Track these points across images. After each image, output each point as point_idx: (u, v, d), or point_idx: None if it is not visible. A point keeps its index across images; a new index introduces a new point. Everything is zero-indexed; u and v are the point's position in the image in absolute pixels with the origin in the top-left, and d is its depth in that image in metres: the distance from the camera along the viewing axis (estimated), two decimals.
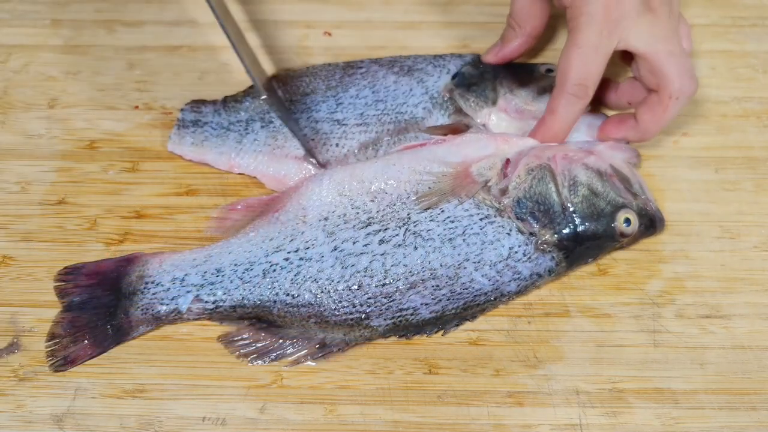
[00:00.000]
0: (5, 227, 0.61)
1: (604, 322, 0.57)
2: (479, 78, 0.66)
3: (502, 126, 0.64)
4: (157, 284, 0.56)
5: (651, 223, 0.59)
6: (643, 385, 0.54)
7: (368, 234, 0.57)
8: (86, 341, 0.55)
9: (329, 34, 0.75)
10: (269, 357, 0.55)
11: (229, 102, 0.67)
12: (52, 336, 0.55)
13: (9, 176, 0.64)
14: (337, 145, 0.64)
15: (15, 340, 0.56)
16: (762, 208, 0.63)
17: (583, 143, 0.62)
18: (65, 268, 0.58)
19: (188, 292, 0.56)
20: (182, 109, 0.67)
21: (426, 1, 0.77)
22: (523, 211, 0.57)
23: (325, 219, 0.57)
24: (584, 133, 0.64)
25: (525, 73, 0.67)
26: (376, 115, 0.65)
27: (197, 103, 0.67)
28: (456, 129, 0.63)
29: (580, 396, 0.54)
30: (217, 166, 0.64)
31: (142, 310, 0.55)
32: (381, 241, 0.56)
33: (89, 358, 0.55)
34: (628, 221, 0.58)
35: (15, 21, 0.76)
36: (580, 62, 0.57)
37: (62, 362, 0.54)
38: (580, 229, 0.57)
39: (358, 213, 0.58)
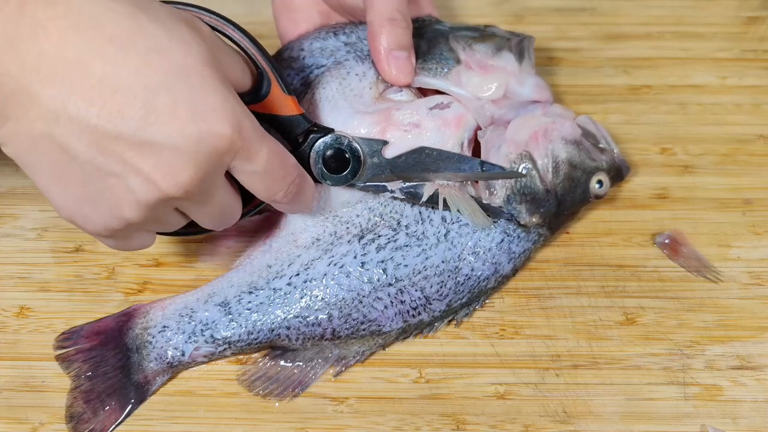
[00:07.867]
0: (23, 277, 0.60)
1: (632, 374, 0.56)
2: (429, 44, 0.61)
3: (474, 82, 0.59)
4: (164, 331, 0.55)
5: (618, 175, 0.61)
6: None
7: (364, 244, 0.56)
8: (108, 408, 0.53)
9: None
10: (292, 388, 0.55)
11: None
12: (70, 417, 0.53)
13: (25, 222, 0.63)
14: None
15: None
16: None
17: (534, 105, 0.61)
18: (62, 333, 0.55)
19: (198, 333, 0.55)
20: None
21: None
22: (512, 206, 0.58)
23: (317, 239, 0.57)
24: (532, 91, 0.61)
25: (470, 30, 0.62)
26: None
27: None
28: None
29: None
30: None
31: (156, 361, 0.54)
32: (378, 248, 0.56)
33: (117, 425, 0.53)
34: (600, 183, 0.60)
35: None
36: None
37: None
38: (562, 204, 0.59)
39: (348, 228, 0.57)
